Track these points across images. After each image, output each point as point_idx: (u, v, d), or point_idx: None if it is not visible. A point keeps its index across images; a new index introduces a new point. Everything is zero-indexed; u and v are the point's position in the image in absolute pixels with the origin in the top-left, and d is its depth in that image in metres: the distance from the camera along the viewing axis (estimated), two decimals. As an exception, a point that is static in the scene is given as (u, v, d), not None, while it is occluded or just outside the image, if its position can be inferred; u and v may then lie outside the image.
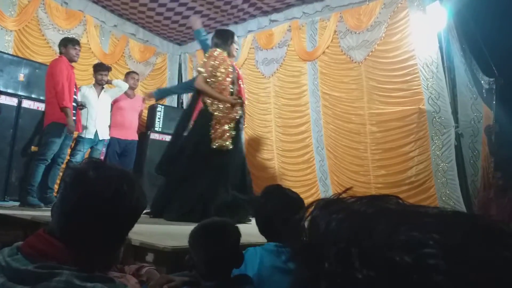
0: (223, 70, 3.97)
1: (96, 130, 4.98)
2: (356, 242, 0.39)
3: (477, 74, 4.95)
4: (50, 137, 4.32)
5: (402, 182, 4.65)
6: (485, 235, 0.37)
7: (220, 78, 3.95)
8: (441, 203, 4.36)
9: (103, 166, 1.05)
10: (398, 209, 0.42)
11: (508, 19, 5.13)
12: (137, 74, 5.80)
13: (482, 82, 5.01)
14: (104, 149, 5.14)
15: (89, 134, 4.94)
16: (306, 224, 0.46)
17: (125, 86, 5.33)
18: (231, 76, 4.01)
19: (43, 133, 4.47)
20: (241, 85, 4.21)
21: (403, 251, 0.36)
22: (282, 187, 1.96)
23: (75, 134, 4.97)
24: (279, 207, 1.73)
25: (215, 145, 3.82)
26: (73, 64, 5.49)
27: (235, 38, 4.21)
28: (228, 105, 3.94)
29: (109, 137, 5.21)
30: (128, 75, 5.74)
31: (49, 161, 4.36)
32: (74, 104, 4.51)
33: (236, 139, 3.99)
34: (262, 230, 1.83)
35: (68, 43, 4.51)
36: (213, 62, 3.96)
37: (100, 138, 5.02)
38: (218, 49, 4.03)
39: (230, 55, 4.09)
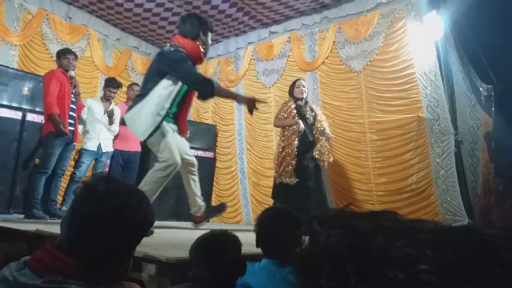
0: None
1: (100, 143, 5.02)
2: (352, 258, 0.40)
3: (475, 82, 4.99)
4: (48, 149, 4.32)
5: (403, 189, 4.67)
6: (479, 250, 0.37)
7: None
8: (442, 210, 4.39)
9: (112, 180, 1.07)
10: (394, 225, 0.43)
11: (504, 26, 5.18)
12: (138, 85, 5.84)
13: (481, 89, 5.04)
14: (108, 161, 5.17)
15: (92, 147, 4.98)
16: (306, 239, 0.48)
17: (115, 130, 5.22)
18: None
19: (41, 145, 4.48)
20: None
21: (397, 267, 0.37)
22: (291, 211, 1.96)
23: (79, 146, 5.03)
24: (285, 226, 1.73)
25: None
26: (78, 77, 5.58)
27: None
28: None
29: (112, 149, 5.24)
30: (129, 87, 5.79)
31: (50, 172, 4.36)
32: (72, 113, 4.49)
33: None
34: (263, 245, 1.83)
35: (60, 55, 4.54)
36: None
37: (104, 151, 5.05)
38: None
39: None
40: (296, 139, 4.37)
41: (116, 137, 5.33)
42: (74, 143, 4.66)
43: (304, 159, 4.36)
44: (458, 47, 4.70)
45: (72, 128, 4.48)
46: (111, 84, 5.18)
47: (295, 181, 4.26)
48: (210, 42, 3.47)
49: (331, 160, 4.61)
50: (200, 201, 3.74)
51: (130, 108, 3.34)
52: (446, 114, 4.51)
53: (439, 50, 4.62)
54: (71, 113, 4.47)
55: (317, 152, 4.42)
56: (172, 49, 3.21)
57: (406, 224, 0.43)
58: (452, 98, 4.63)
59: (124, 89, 6.05)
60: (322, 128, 4.49)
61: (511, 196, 4.42)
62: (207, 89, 3.13)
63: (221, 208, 3.92)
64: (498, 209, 4.43)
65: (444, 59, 4.63)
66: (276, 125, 4.73)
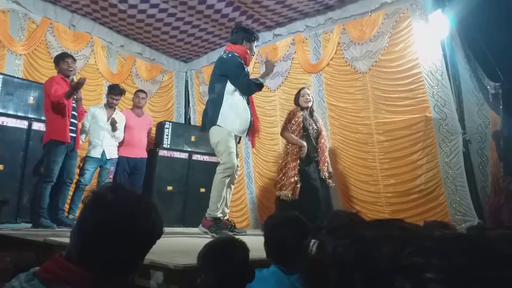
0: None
1: (104, 150, 5.01)
2: (360, 268, 0.40)
3: (482, 80, 4.93)
4: (51, 157, 4.30)
5: (412, 190, 4.62)
6: (485, 258, 0.37)
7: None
8: (452, 211, 4.33)
9: (121, 189, 1.07)
10: (401, 233, 0.43)
11: (510, 24, 5.13)
12: (143, 92, 5.85)
13: (488, 87, 4.99)
14: (113, 168, 5.17)
15: (96, 154, 4.98)
16: (313, 248, 0.48)
17: (120, 137, 5.30)
18: None
19: (44, 153, 4.46)
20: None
21: (404, 276, 0.37)
22: (298, 214, 1.94)
23: (83, 154, 5.03)
24: (291, 237, 1.73)
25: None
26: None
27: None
28: None
29: (117, 156, 5.23)
30: (135, 94, 5.81)
31: (55, 180, 4.34)
32: (73, 120, 4.46)
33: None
34: (271, 253, 1.82)
35: (58, 60, 4.50)
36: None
37: (108, 158, 5.05)
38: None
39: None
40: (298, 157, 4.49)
41: (121, 143, 5.33)
42: (77, 150, 4.66)
43: (311, 174, 4.46)
44: (465, 46, 4.65)
45: (73, 135, 4.45)
46: (113, 91, 5.18)
47: (291, 198, 4.37)
48: (254, 49, 4.23)
49: (333, 185, 4.68)
50: (226, 209, 4.08)
51: (206, 110, 4.01)
52: (453, 113, 4.46)
53: (445, 49, 4.58)
54: (72, 120, 4.45)
55: (325, 172, 4.53)
56: (227, 55, 3.94)
57: (413, 232, 0.43)
58: (459, 97, 4.58)
59: (131, 96, 6.08)
60: (325, 156, 4.62)
61: (521, 195, 4.36)
62: (260, 88, 3.95)
63: (242, 232, 4.11)
64: (509, 209, 4.37)
65: (451, 58, 4.59)
66: (283, 137, 4.77)
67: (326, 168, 4.57)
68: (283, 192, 4.44)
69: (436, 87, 4.55)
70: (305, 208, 4.02)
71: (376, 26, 5.06)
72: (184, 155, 6.06)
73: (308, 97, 4.70)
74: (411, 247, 0.39)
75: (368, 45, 5.14)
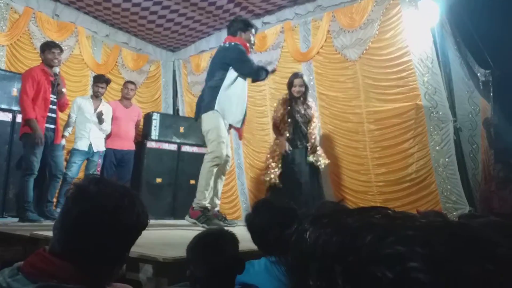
0: None
1: (90, 142, 4.92)
2: (341, 258, 0.39)
3: (472, 67, 4.93)
4: (27, 150, 4.21)
5: (403, 179, 4.61)
6: (470, 247, 0.37)
7: None
8: (443, 199, 4.33)
9: (104, 181, 1.08)
10: (385, 222, 0.42)
11: (500, 11, 5.12)
12: (132, 84, 5.75)
13: (479, 74, 4.99)
14: (100, 161, 5.08)
15: (82, 146, 4.89)
16: (295, 238, 0.47)
17: (107, 130, 5.21)
18: None
19: (22, 146, 4.35)
20: None
21: (386, 265, 0.36)
22: (271, 201, 1.96)
23: (70, 147, 4.94)
24: (267, 222, 1.74)
25: None
26: (67, 76, 5.48)
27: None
28: None
29: (104, 149, 5.14)
30: (124, 85, 5.71)
31: (36, 173, 4.23)
32: (52, 114, 4.36)
33: None
34: (257, 244, 1.84)
35: (44, 48, 4.38)
36: None
37: (95, 150, 4.96)
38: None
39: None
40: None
41: (108, 136, 5.24)
42: (64, 143, 4.57)
43: (294, 160, 4.48)
44: (455, 33, 4.64)
45: (52, 126, 4.36)
46: (99, 80, 5.12)
47: (273, 183, 4.46)
48: (252, 39, 4.16)
49: (327, 161, 4.63)
50: (217, 201, 4.07)
51: (203, 97, 3.98)
52: (444, 101, 4.44)
53: (436, 36, 4.55)
54: (50, 114, 4.34)
55: (312, 156, 4.54)
56: (230, 44, 3.92)
57: (396, 220, 0.42)
58: (449, 84, 4.56)
59: (117, 87, 5.97)
60: (314, 142, 4.60)
61: (511, 182, 4.39)
62: (266, 75, 4.02)
63: (232, 223, 4.04)
64: (499, 196, 4.41)
65: (441, 45, 4.56)
66: (273, 130, 4.87)
67: (316, 152, 4.57)
68: (264, 178, 4.59)
69: (426, 75, 4.52)
70: (288, 193, 4.08)
71: (365, 13, 5.00)
72: (173, 147, 5.98)
73: (300, 89, 4.61)
74: (393, 236, 0.38)
75: (358, 33, 5.09)
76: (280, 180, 4.45)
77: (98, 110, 4.98)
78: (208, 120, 3.80)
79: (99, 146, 5.03)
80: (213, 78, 3.87)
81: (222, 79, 3.80)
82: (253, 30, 4.14)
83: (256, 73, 3.92)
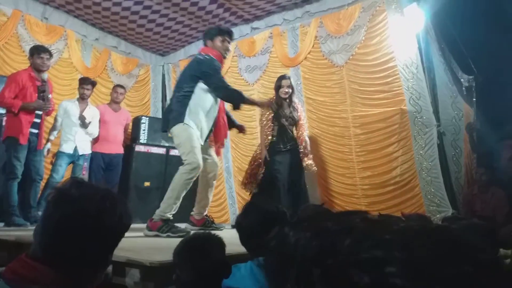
0: None
1: (76, 145, 4.91)
2: (320, 262, 0.39)
3: (456, 73, 5.02)
4: (11, 152, 4.18)
5: (388, 182, 4.69)
6: (449, 251, 0.36)
7: None
8: (427, 202, 4.42)
9: (85, 184, 1.05)
10: (364, 225, 0.41)
11: (484, 18, 5.23)
12: (122, 88, 5.74)
13: (462, 80, 5.08)
14: (86, 164, 5.05)
15: (68, 149, 4.86)
16: (275, 242, 0.47)
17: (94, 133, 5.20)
18: None
19: (4, 150, 4.32)
20: None
21: (364, 270, 0.35)
22: (257, 203, 1.98)
23: (55, 149, 4.91)
24: (255, 224, 1.75)
25: None
26: (56, 79, 5.47)
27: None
28: None
29: (90, 152, 5.12)
30: (113, 89, 5.70)
31: (19, 176, 4.20)
32: (37, 120, 4.34)
33: None
34: (245, 246, 1.85)
35: (33, 52, 4.36)
36: None
37: (80, 153, 4.93)
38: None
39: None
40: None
41: (96, 139, 5.23)
42: (49, 147, 4.55)
43: (275, 164, 4.55)
44: (439, 39, 4.73)
45: (36, 131, 4.33)
46: (84, 82, 5.09)
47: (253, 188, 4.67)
48: (227, 45, 3.90)
49: (314, 168, 4.70)
50: (204, 211, 4.07)
51: (171, 107, 3.75)
52: (428, 106, 4.53)
53: (420, 42, 4.65)
54: (36, 120, 4.32)
55: (305, 160, 4.63)
56: (204, 56, 3.69)
57: (375, 224, 0.42)
58: (434, 90, 4.66)
59: (107, 90, 5.97)
60: (305, 146, 4.69)
61: (493, 185, 4.48)
62: (238, 98, 3.65)
63: (220, 227, 4.12)
64: (481, 199, 4.49)
65: (426, 51, 4.66)
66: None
67: (304, 155, 4.64)
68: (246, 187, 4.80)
69: (411, 80, 4.61)
70: (268, 195, 4.18)
71: (352, 20, 5.09)
72: (161, 150, 5.99)
73: (287, 90, 4.69)
74: (372, 240, 0.38)
75: (345, 39, 5.17)
76: (261, 184, 4.57)
77: (83, 114, 4.97)
78: (178, 133, 3.60)
79: (85, 149, 4.99)
80: (182, 90, 3.67)
81: (191, 92, 3.61)
82: (227, 37, 3.89)
83: (225, 90, 3.65)
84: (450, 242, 0.37)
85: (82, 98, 5.07)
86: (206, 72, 3.60)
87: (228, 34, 3.91)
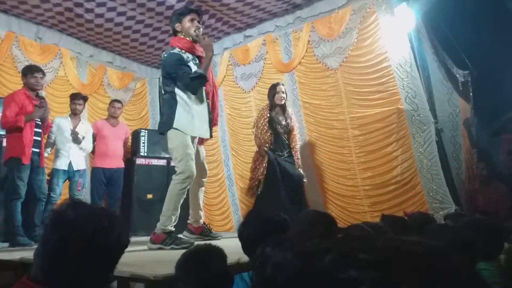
0: None
1: (70, 161, 4.91)
2: (300, 282, 0.40)
3: (451, 69, 5.03)
4: (14, 173, 4.19)
5: (389, 182, 4.69)
6: (424, 268, 0.37)
7: None
8: (429, 199, 4.42)
9: (81, 205, 1.06)
10: (343, 244, 0.42)
11: (473, 12, 5.25)
12: (119, 102, 5.77)
13: (457, 75, 5.09)
14: (81, 180, 5.03)
15: (62, 165, 4.85)
16: (259, 263, 0.48)
17: (87, 149, 5.21)
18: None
19: (7, 171, 4.33)
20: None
21: None
22: (258, 211, 1.97)
23: (50, 167, 4.92)
24: (257, 233, 1.75)
25: None
26: (53, 97, 5.50)
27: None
28: None
29: (85, 167, 5.12)
30: (110, 104, 5.74)
31: (23, 197, 4.22)
32: (37, 138, 4.36)
33: None
34: (248, 255, 1.85)
35: (27, 72, 4.37)
36: None
37: (75, 169, 4.92)
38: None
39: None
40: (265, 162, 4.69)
41: (96, 154, 5.24)
42: (44, 166, 4.57)
43: (274, 171, 4.57)
44: (431, 36, 4.74)
45: (37, 150, 4.36)
46: (75, 97, 5.12)
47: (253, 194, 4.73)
48: (191, 24, 3.63)
49: (305, 180, 4.78)
50: (201, 213, 4.09)
51: (161, 110, 3.83)
52: (424, 103, 4.54)
53: (412, 41, 4.68)
54: (36, 137, 4.35)
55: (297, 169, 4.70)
56: (165, 54, 3.57)
57: (355, 241, 0.43)
58: (429, 87, 4.68)
59: (104, 106, 5.98)
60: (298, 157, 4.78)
61: (494, 180, 4.48)
62: (204, 79, 3.50)
63: (217, 236, 4.11)
64: (483, 194, 4.49)
65: (418, 49, 4.68)
66: (255, 142, 4.89)
67: (296, 162, 4.71)
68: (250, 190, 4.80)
69: (406, 79, 4.63)
70: (267, 203, 4.21)
71: (344, 23, 5.12)
72: (162, 162, 6.01)
73: (282, 95, 4.75)
74: (349, 259, 0.39)
75: (338, 42, 5.19)
76: (263, 191, 4.60)
77: (75, 129, 4.98)
78: (171, 138, 3.48)
79: (79, 164, 4.98)
80: (166, 92, 3.59)
81: (172, 91, 3.50)
82: (188, 16, 3.64)
83: (188, 88, 3.47)
84: (426, 258, 0.38)
85: (74, 114, 5.08)
86: (170, 73, 3.50)
87: (195, 12, 3.71)
